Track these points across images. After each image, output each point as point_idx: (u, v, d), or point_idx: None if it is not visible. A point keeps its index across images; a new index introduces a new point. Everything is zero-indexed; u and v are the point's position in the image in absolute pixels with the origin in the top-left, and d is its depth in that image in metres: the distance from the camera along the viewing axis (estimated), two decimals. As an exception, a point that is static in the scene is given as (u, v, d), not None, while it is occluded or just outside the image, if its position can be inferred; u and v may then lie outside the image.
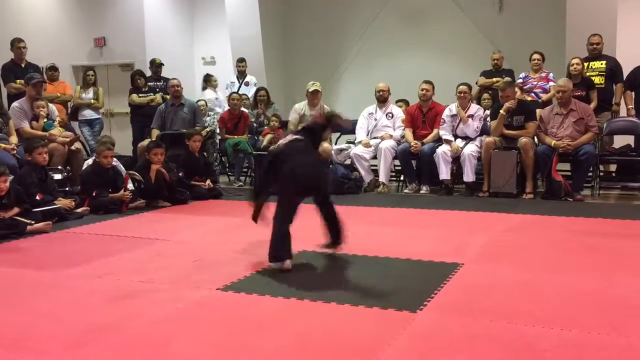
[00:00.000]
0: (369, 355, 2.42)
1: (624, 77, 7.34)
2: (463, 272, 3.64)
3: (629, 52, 7.67)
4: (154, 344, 2.58)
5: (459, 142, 7.16)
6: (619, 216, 5.52)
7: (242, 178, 8.58)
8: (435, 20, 9.73)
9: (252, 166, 8.36)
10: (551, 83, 7.55)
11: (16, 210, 5.06)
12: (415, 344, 2.55)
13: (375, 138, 7.69)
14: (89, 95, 8.88)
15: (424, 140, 7.39)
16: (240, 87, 9.38)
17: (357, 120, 7.98)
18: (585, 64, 7.32)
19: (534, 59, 7.66)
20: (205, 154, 7.81)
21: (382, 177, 7.47)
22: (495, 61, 8.11)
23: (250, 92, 9.22)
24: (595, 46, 7.37)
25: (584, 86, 7.18)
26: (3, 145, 6.25)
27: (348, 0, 10.29)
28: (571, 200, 6.51)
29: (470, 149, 7.00)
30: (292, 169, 3.78)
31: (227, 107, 8.75)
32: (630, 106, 7.32)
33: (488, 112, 7.35)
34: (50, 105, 7.27)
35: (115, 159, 6.49)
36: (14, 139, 6.56)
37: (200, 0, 11.32)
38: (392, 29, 9.92)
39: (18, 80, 7.86)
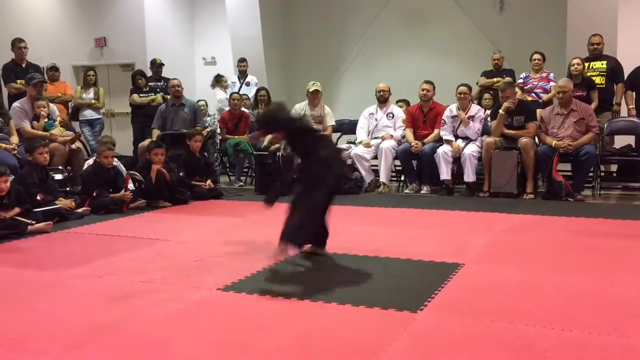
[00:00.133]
0: (370, 355, 2.42)
1: (625, 77, 7.34)
2: (464, 272, 3.64)
3: (630, 52, 7.66)
4: (155, 344, 2.58)
5: (460, 143, 7.15)
6: (619, 216, 5.51)
7: (243, 178, 8.58)
8: (436, 20, 9.73)
9: (252, 166, 8.35)
10: (552, 83, 7.55)
11: (17, 210, 5.06)
12: (416, 344, 2.55)
13: (375, 138, 7.69)
14: (89, 95, 8.88)
15: (425, 141, 7.39)
16: (241, 87, 9.38)
17: (357, 120, 8.00)
18: (586, 64, 7.32)
19: (535, 59, 7.66)
20: (205, 154, 7.81)
21: (383, 177, 7.47)
22: (496, 61, 8.11)
23: (251, 92, 9.22)
24: (596, 46, 7.37)
25: (584, 86, 7.18)
26: (4, 145, 6.25)
27: (349, 1, 10.29)
28: (572, 200, 6.50)
29: (471, 149, 7.00)
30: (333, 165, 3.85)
31: None
32: (631, 106, 7.31)
33: (489, 112, 7.35)
34: (51, 105, 7.28)
35: (115, 159, 6.49)
36: (14, 139, 6.57)
37: (201, 0, 11.33)
38: (393, 29, 9.92)
39: (19, 81, 7.86)
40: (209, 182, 7.07)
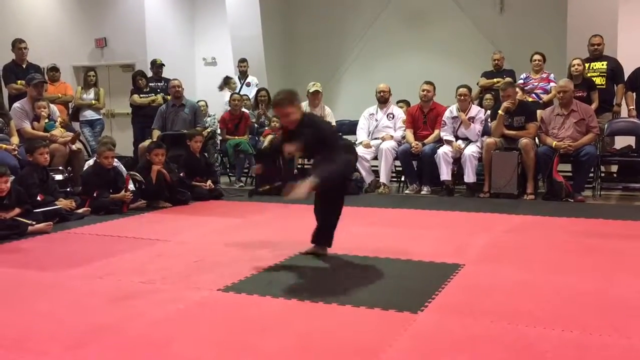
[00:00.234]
0: (370, 356, 2.42)
1: (625, 78, 7.34)
2: (464, 272, 3.64)
3: (630, 52, 7.67)
4: (155, 345, 2.58)
5: (460, 143, 7.15)
6: (620, 217, 5.51)
7: (243, 179, 8.59)
8: (436, 21, 9.73)
9: (252, 167, 8.35)
10: (552, 84, 7.55)
11: (17, 210, 5.06)
12: (417, 345, 2.55)
13: (376, 139, 7.69)
14: (90, 95, 8.89)
15: (425, 141, 7.39)
16: (241, 87, 9.39)
17: (357, 121, 8.00)
18: (586, 65, 7.32)
19: (535, 60, 7.67)
20: (206, 154, 7.81)
21: (383, 178, 7.47)
22: (496, 62, 8.11)
23: (251, 92, 9.23)
24: (596, 47, 7.37)
25: (585, 87, 7.18)
26: (4, 145, 6.25)
27: (349, 1, 10.30)
28: (572, 201, 6.50)
29: (471, 149, 7.00)
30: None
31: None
32: (632, 107, 7.31)
33: (489, 112, 7.35)
34: (52, 105, 7.27)
35: (116, 160, 6.49)
36: (15, 139, 6.57)
37: (201, 0, 11.33)
38: (393, 30, 9.92)
39: (19, 81, 7.86)
40: (209, 182, 7.07)
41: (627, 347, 2.50)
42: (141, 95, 8.94)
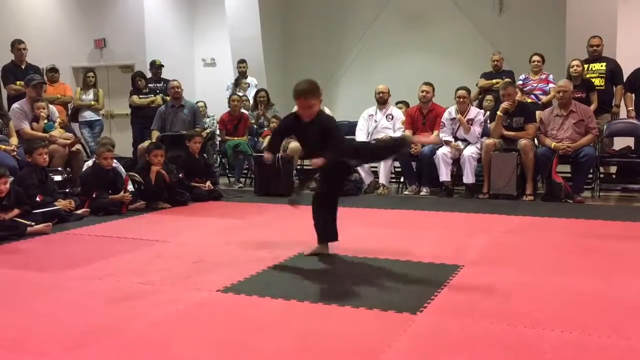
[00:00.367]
0: (370, 356, 2.42)
1: (624, 79, 7.35)
2: (463, 274, 3.64)
3: (629, 53, 7.68)
4: (154, 346, 2.58)
5: (459, 144, 7.14)
6: (619, 218, 5.52)
7: (242, 180, 8.59)
8: (436, 21, 9.74)
9: (252, 168, 8.35)
10: (551, 85, 7.56)
11: (16, 211, 5.05)
12: (416, 346, 2.55)
13: (375, 140, 7.68)
14: (89, 96, 8.89)
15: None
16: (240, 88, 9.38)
17: (356, 121, 8.00)
18: (585, 66, 7.33)
19: (534, 61, 7.67)
20: (205, 155, 7.81)
21: (382, 179, 7.48)
22: (495, 62, 8.12)
23: (250, 93, 9.22)
24: (595, 48, 7.38)
25: (584, 88, 7.19)
26: (3, 146, 6.25)
27: (348, 2, 10.31)
28: (571, 202, 6.51)
29: (470, 150, 7.00)
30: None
31: None
32: (630, 108, 7.32)
33: (489, 113, 7.35)
34: (51, 106, 7.28)
35: (115, 161, 6.49)
36: (14, 140, 6.57)
37: (201, 1, 11.33)
38: (392, 31, 9.93)
39: (18, 82, 7.87)
40: (208, 183, 7.07)
41: (626, 348, 2.50)
42: (140, 96, 8.94)
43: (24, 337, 2.69)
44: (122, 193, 6.13)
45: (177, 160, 7.08)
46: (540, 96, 7.64)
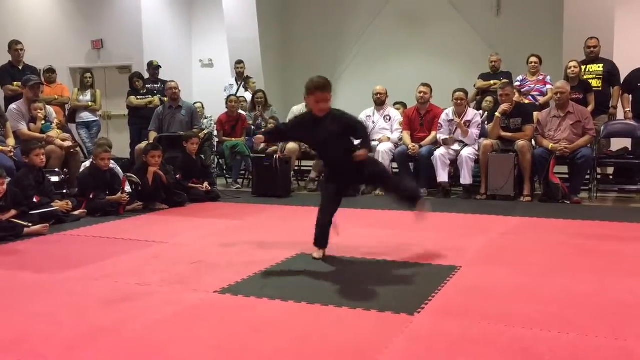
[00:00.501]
0: (367, 358, 2.42)
1: (622, 80, 7.36)
2: (460, 274, 3.64)
3: (627, 55, 7.70)
4: (151, 347, 2.58)
5: (456, 147, 7.15)
6: (616, 219, 5.53)
7: (240, 181, 8.59)
8: (433, 23, 9.75)
9: (249, 169, 8.35)
10: (548, 86, 7.57)
11: (13, 212, 5.04)
12: (413, 347, 2.55)
13: (373, 141, 7.67)
14: (86, 97, 8.89)
15: (422, 143, 7.40)
16: (238, 89, 9.38)
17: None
18: (583, 67, 7.35)
19: (532, 62, 7.68)
20: (202, 156, 7.81)
21: (380, 180, 7.46)
22: (493, 64, 8.13)
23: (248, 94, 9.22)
24: (592, 49, 7.40)
25: (581, 89, 7.20)
26: (0, 147, 6.24)
27: (346, 3, 10.31)
28: (569, 203, 6.52)
29: (468, 151, 7.01)
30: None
31: None
32: (628, 109, 7.34)
33: (487, 114, 7.36)
34: (48, 107, 7.27)
35: (112, 162, 6.49)
36: (11, 141, 6.56)
37: (198, 2, 11.34)
38: (390, 32, 9.94)
39: (15, 83, 7.87)
40: (205, 184, 7.07)
41: (623, 349, 2.51)
42: (138, 97, 8.93)
43: (21, 338, 2.68)
44: (119, 194, 6.13)
45: (175, 161, 7.07)
46: (538, 97, 7.66)
